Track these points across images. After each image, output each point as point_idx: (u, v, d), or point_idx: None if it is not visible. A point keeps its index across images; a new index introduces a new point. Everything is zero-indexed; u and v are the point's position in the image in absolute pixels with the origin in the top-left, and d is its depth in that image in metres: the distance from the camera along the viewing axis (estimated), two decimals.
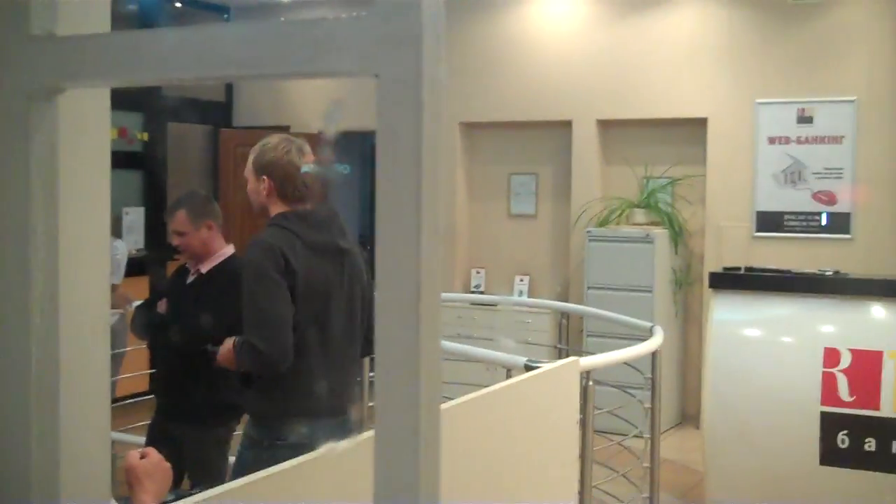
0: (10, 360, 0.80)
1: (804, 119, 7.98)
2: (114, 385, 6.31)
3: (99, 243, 1.53)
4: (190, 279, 4.42)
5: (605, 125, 8.87)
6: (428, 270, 0.70)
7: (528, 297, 9.04)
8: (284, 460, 2.03)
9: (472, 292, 9.34)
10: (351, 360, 3.58)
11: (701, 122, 8.36)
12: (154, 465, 2.38)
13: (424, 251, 0.70)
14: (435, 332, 0.74)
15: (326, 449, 2.01)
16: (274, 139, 3.55)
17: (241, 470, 3.20)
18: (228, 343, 3.65)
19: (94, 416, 1.64)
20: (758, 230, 8.14)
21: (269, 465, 2.00)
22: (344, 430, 3.49)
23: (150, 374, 5.61)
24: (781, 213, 8.05)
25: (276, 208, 3.50)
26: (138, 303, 4.74)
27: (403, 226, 0.72)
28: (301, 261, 3.35)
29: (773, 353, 5.92)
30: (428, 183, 0.70)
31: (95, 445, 1.66)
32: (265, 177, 3.48)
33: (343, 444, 2.15)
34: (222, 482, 2.28)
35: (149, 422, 4.64)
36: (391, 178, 0.71)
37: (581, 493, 3.86)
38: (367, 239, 11.16)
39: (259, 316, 3.32)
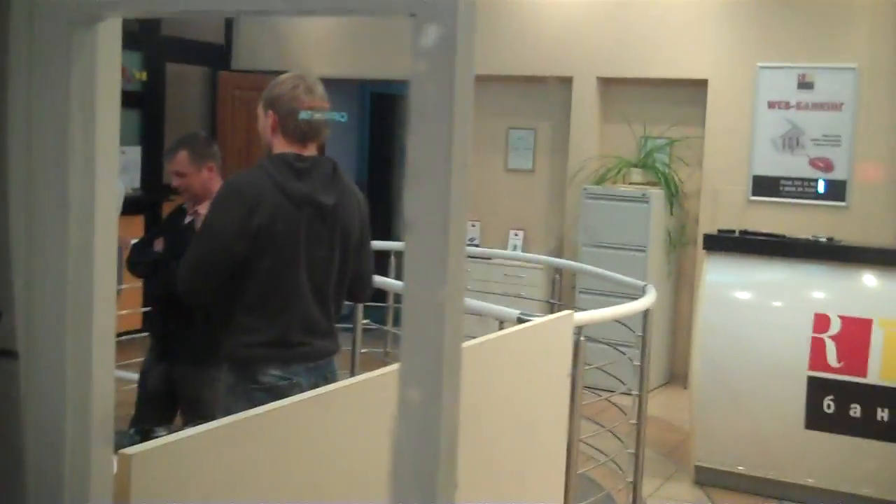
0: (47, 265, 0.81)
1: (805, 85, 7.97)
2: None
3: (110, 177, 1.54)
4: (188, 219, 4.43)
5: (606, 83, 8.84)
6: (456, 206, 0.72)
7: (523, 251, 9.06)
8: (262, 404, 2.03)
9: (467, 245, 9.33)
10: (327, 309, 3.48)
11: (701, 84, 8.34)
12: None
13: (454, 186, 0.71)
14: (460, 275, 0.75)
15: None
16: (286, 76, 3.48)
17: (225, 415, 3.19)
18: None
19: (99, 347, 1.65)
20: (754, 194, 8.14)
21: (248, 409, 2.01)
22: (321, 375, 3.43)
23: (145, 313, 5.63)
24: (778, 179, 8.06)
25: (279, 147, 3.43)
26: (135, 240, 4.74)
27: (434, 168, 0.73)
28: (269, 209, 3.29)
29: (763, 316, 5.95)
30: (460, 119, 0.71)
31: (101, 376, 1.67)
32: (270, 111, 3.42)
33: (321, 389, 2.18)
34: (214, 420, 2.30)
35: (142, 359, 4.67)
36: (424, 115, 0.72)
37: (568, 446, 3.90)
38: (364, 185, 11.17)
39: (196, 245, 3.42)
